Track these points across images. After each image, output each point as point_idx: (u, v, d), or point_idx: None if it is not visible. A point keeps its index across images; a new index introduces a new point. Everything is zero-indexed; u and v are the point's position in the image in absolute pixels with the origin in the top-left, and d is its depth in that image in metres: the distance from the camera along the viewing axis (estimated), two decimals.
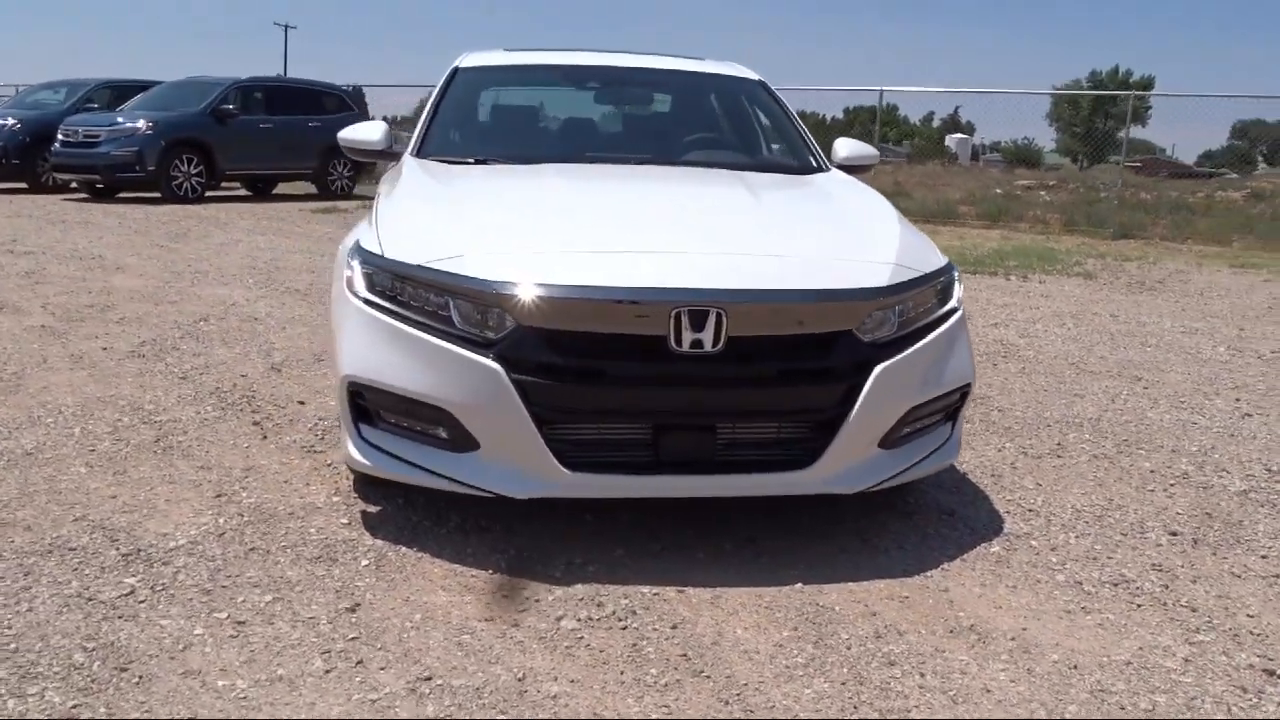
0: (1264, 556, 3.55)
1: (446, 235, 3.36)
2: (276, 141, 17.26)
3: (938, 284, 3.49)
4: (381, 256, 3.33)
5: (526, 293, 3.03)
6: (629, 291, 3.05)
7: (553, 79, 5.46)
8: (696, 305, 3.03)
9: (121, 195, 16.27)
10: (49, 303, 7.20)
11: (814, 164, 4.82)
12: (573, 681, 2.58)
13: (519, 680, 2.58)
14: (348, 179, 18.58)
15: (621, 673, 2.63)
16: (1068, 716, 2.51)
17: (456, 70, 5.09)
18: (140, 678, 2.52)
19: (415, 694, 2.50)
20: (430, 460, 3.26)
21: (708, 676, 2.62)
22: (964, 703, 2.55)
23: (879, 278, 3.29)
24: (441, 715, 2.43)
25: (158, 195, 15.86)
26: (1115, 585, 3.25)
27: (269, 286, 8.27)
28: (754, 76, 5.47)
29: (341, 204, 16.91)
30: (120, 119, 15.90)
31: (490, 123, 5.21)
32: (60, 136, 15.94)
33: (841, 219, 3.92)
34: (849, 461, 3.26)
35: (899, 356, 3.24)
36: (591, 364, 3.08)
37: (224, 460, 4.08)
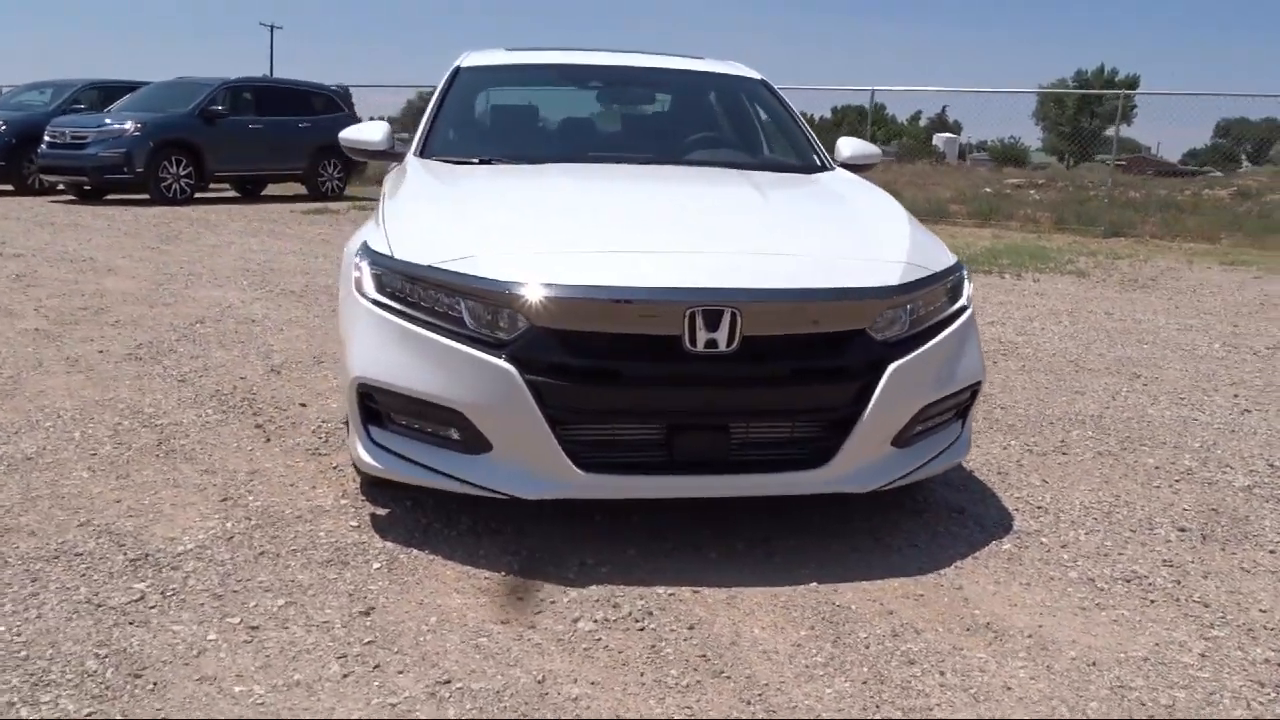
0: (1272, 551, 3.55)
1: (457, 236, 3.34)
2: (266, 142, 17.18)
3: (948, 282, 3.48)
4: (391, 257, 3.31)
5: (541, 293, 3.01)
6: (644, 291, 3.04)
7: (555, 78, 5.45)
8: (711, 305, 3.02)
9: (109, 197, 16.19)
10: (42, 305, 7.14)
11: (818, 163, 4.81)
12: (593, 683, 2.56)
13: (539, 683, 2.56)
14: (338, 180, 18.51)
15: (642, 674, 2.61)
16: (1089, 714, 2.50)
17: (458, 70, 5.06)
18: (155, 684, 2.50)
19: (435, 698, 2.48)
20: (441, 462, 3.23)
21: (728, 677, 2.61)
22: (985, 701, 2.54)
23: (892, 276, 3.28)
24: (463, 719, 2.41)
25: (146, 197, 15.79)
26: (1128, 582, 3.25)
27: (264, 288, 8.23)
28: (756, 75, 5.46)
29: (333, 205, 16.83)
30: (108, 120, 15.81)
31: (493, 123, 5.19)
32: (47, 138, 15.83)
33: (851, 218, 3.91)
34: (862, 460, 3.25)
35: (912, 355, 3.23)
36: (605, 364, 3.07)
37: (228, 464, 4.05)
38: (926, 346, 3.29)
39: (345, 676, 2.56)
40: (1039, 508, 3.87)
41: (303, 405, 4.89)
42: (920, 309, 3.34)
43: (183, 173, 16.06)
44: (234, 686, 2.50)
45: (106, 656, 2.60)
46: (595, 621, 2.87)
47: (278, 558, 3.22)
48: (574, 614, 2.92)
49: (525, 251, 3.25)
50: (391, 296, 3.27)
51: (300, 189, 18.63)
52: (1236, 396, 5.73)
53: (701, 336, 3.03)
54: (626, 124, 5.41)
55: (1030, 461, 4.43)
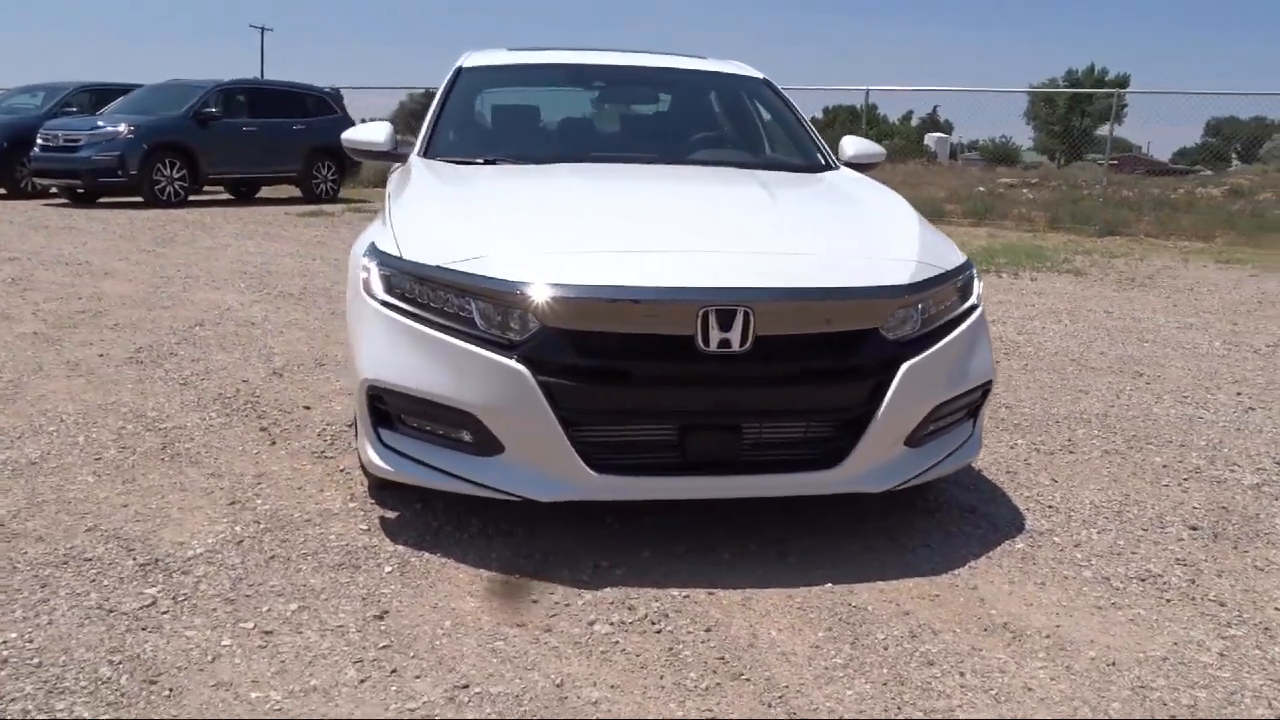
0: None
1: (466, 236, 3.32)
2: (260, 144, 17.11)
3: (958, 281, 3.48)
4: (399, 258, 3.29)
5: (553, 293, 3.00)
6: (657, 291, 3.02)
7: (558, 78, 5.43)
8: (724, 304, 3.01)
9: (103, 200, 16.11)
10: (39, 309, 7.10)
11: (822, 162, 4.80)
12: (613, 687, 2.55)
13: (557, 686, 2.54)
14: (332, 182, 18.43)
15: (661, 677, 2.59)
16: (1112, 714, 2.49)
17: (460, 70, 5.04)
18: (171, 690, 2.47)
19: (454, 702, 2.46)
20: (453, 464, 3.21)
21: (747, 679, 2.59)
22: (1007, 702, 2.53)
23: (904, 275, 3.27)
24: None
25: (139, 200, 15.73)
26: (1142, 581, 3.24)
27: (262, 291, 8.19)
28: (758, 75, 5.45)
29: (327, 208, 16.78)
30: (101, 123, 15.74)
31: (496, 123, 5.17)
32: (40, 141, 15.76)
33: (861, 216, 3.90)
34: (876, 460, 3.24)
35: (925, 354, 3.22)
36: (618, 365, 3.05)
37: (234, 467, 4.03)
38: (939, 345, 3.28)
39: (362, 681, 2.54)
40: (1049, 507, 3.86)
41: (307, 408, 4.87)
42: (931, 308, 3.33)
43: (177, 175, 16.00)
44: (250, 692, 2.48)
45: (120, 663, 2.57)
46: (612, 624, 2.85)
47: (288, 562, 3.20)
48: (590, 617, 2.90)
49: (536, 251, 3.23)
50: (400, 297, 3.24)
51: (294, 191, 18.56)
52: (1239, 394, 5.73)
53: (714, 336, 3.02)
54: (630, 124, 5.39)
55: (1038, 460, 4.43)
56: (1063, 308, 8.64)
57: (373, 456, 3.32)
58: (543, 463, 3.10)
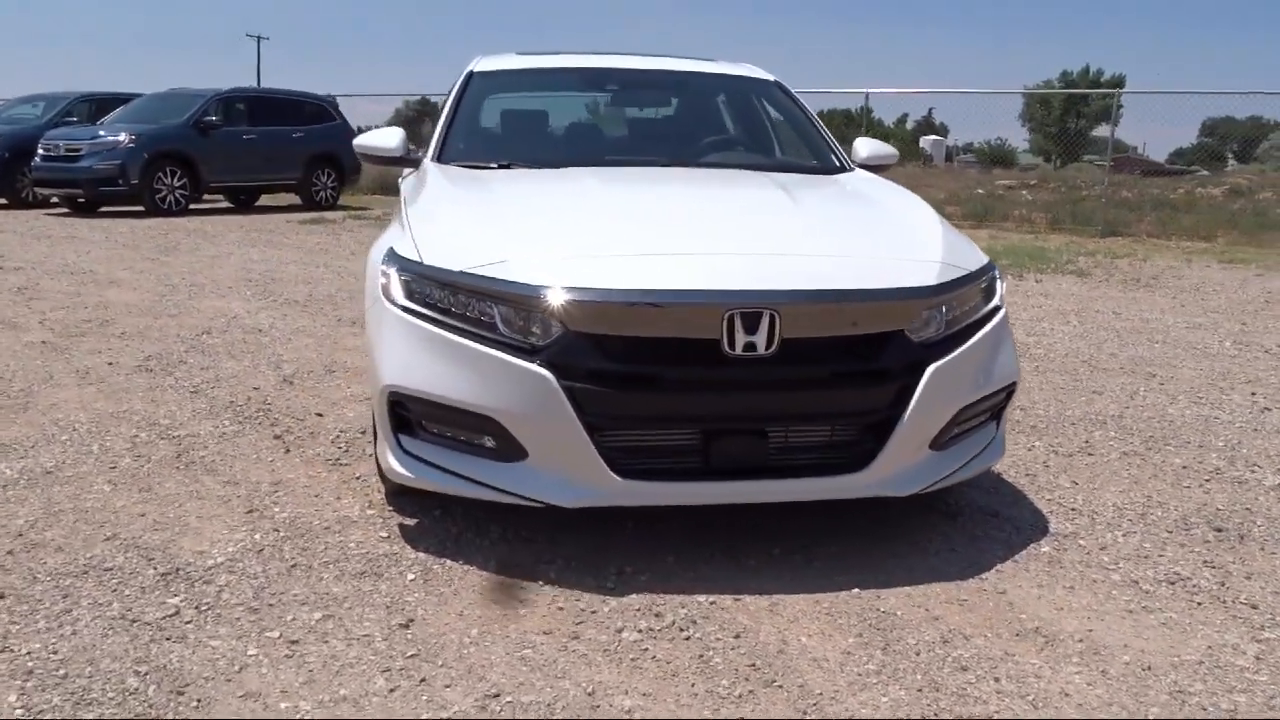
0: None
1: (487, 240, 3.29)
2: (260, 153, 17.11)
3: (982, 282, 3.45)
4: (420, 263, 3.26)
5: (578, 297, 2.97)
6: (682, 295, 3.00)
7: (569, 82, 5.41)
8: (750, 307, 2.98)
9: (104, 209, 16.08)
10: (46, 318, 7.08)
11: (837, 163, 4.78)
12: (645, 695, 2.52)
13: (589, 695, 2.51)
14: (331, 189, 18.43)
15: (693, 685, 2.57)
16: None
17: (472, 75, 5.01)
18: (199, 701, 2.44)
19: (485, 712, 2.43)
20: (475, 470, 3.18)
21: (780, 686, 2.57)
22: (1044, 708, 2.50)
23: (929, 276, 3.24)
24: None
25: (140, 209, 15.69)
26: (1172, 584, 3.22)
27: (267, 298, 8.17)
28: (769, 77, 5.43)
29: (328, 215, 16.75)
30: (102, 132, 15.72)
31: (509, 126, 5.14)
32: (41, 151, 15.73)
33: (883, 218, 3.87)
34: (902, 464, 3.21)
35: (951, 356, 3.20)
36: (644, 369, 3.02)
37: (250, 475, 4.00)
38: (964, 347, 3.25)
39: (392, 691, 2.51)
40: (1072, 509, 3.83)
41: (319, 415, 4.84)
42: (956, 309, 3.31)
43: (177, 184, 15.98)
44: (279, 703, 2.45)
45: (147, 674, 2.54)
46: (640, 631, 2.82)
47: (310, 570, 3.17)
48: (617, 624, 2.87)
49: (559, 255, 3.20)
50: (421, 303, 3.22)
51: (294, 199, 18.55)
52: (1254, 395, 5.71)
53: (740, 339, 2.99)
54: (644, 126, 5.37)
55: (1057, 463, 4.40)
56: (1070, 309, 8.62)
57: (393, 463, 3.29)
58: (567, 468, 3.07)
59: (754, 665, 2.66)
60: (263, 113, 17.60)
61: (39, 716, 2.36)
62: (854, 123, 20.79)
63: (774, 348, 3.01)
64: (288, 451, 4.30)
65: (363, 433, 4.55)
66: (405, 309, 3.23)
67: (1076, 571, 3.29)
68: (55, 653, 2.63)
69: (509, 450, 3.11)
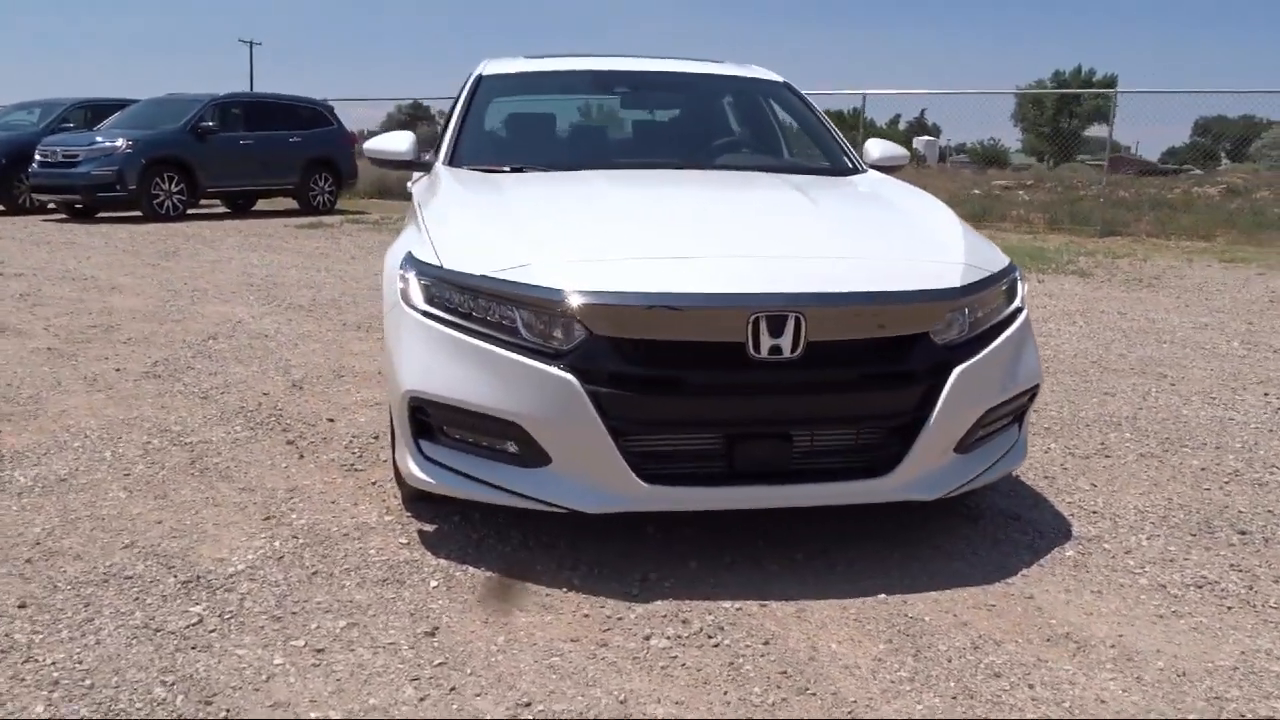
0: None
1: (507, 244, 3.27)
2: (257, 158, 17.05)
3: (1004, 283, 3.43)
4: (440, 268, 3.23)
5: (603, 301, 2.95)
6: (708, 298, 2.97)
7: (579, 85, 5.38)
8: (776, 310, 2.96)
9: (101, 215, 16.02)
10: (50, 324, 7.04)
11: (850, 165, 4.76)
12: (677, 703, 2.49)
13: (621, 703, 2.48)
14: (329, 194, 18.37)
15: (725, 693, 2.54)
16: None
17: (481, 78, 4.99)
18: (228, 711, 2.42)
19: None
20: (497, 476, 3.16)
21: (813, 694, 2.54)
22: (1081, 715, 2.47)
23: (954, 278, 3.22)
24: None
25: (138, 214, 15.64)
26: (1199, 588, 3.20)
27: (271, 303, 8.13)
28: (779, 78, 5.41)
29: (326, 219, 16.71)
30: (99, 138, 15.65)
31: (520, 130, 5.12)
32: (38, 157, 15.67)
33: (903, 219, 3.85)
34: (927, 467, 3.19)
35: (976, 358, 3.18)
36: (668, 372, 3.00)
37: (265, 481, 3.97)
38: (989, 349, 3.23)
39: (422, 700, 2.48)
40: (1093, 512, 3.81)
41: (331, 421, 4.81)
42: (979, 311, 3.29)
43: (175, 189, 15.92)
44: (309, 712, 2.42)
45: (174, 684, 2.51)
46: (668, 638, 2.80)
47: (331, 577, 3.14)
48: (644, 631, 2.84)
49: (582, 259, 3.17)
50: (441, 307, 3.19)
51: (290, 203, 18.49)
52: (1267, 395, 5.69)
53: (766, 343, 2.97)
54: (655, 129, 5.35)
55: (1074, 465, 4.38)
56: (1075, 309, 8.61)
57: (413, 469, 3.27)
58: (592, 474, 3.04)
59: (785, 673, 2.63)
60: (259, 118, 17.54)
61: None
62: (847, 124, 20.72)
63: (799, 351, 2.99)
64: (301, 457, 4.27)
65: (375, 438, 4.52)
66: (425, 313, 3.21)
67: (1103, 576, 3.27)
68: (80, 663, 2.60)
69: (532, 455, 3.08)
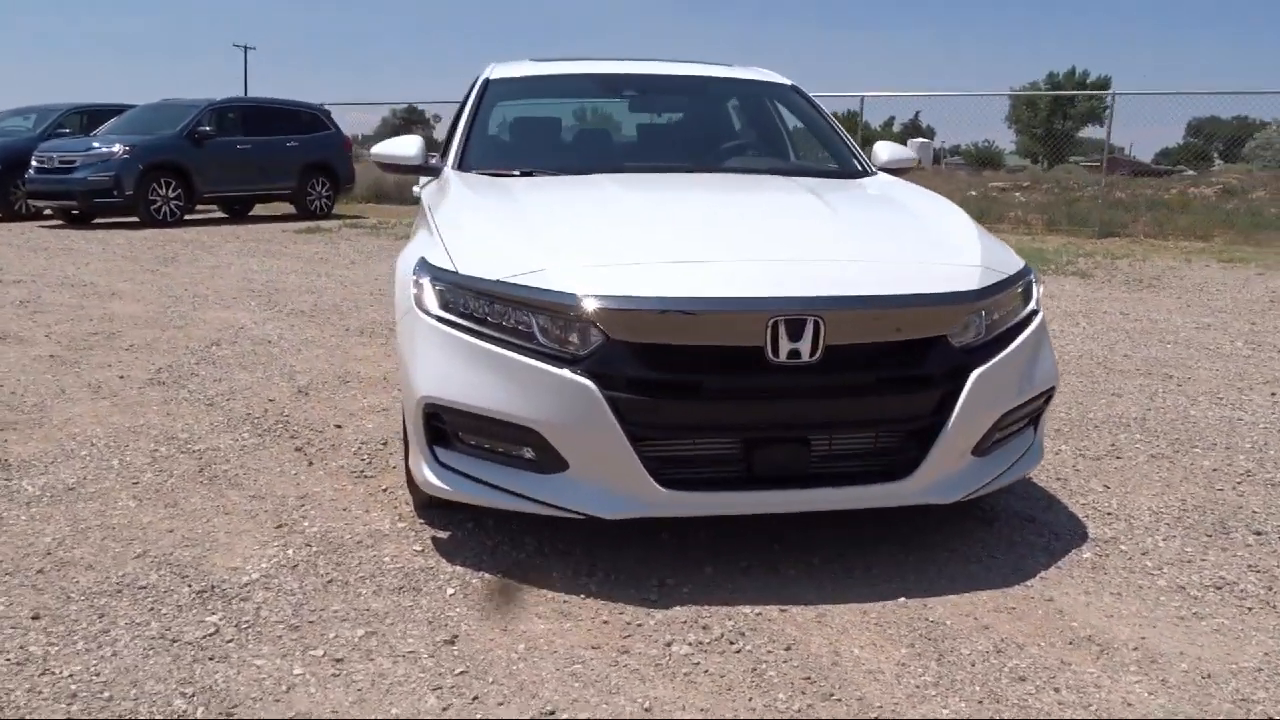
0: None
1: (522, 249, 3.25)
2: (254, 163, 17.02)
3: (1020, 286, 3.42)
4: (455, 273, 3.21)
5: (621, 306, 2.93)
6: (726, 302, 2.96)
7: (587, 88, 5.37)
8: (794, 314, 2.94)
9: (98, 221, 15.98)
10: (52, 331, 7.00)
11: (859, 167, 4.74)
12: (702, 710, 2.47)
13: (646, 711, 2.47)
14: (326, 199, 18.35)
15: (750, 699, 2.52)
16: None
17: (488, 82, 4.97)
18: None
19: None
20: (514, 482, 3.13)
21: (839, 699, 2.52)
22: (1108, 718, 2.46)
23: (971, 281, 3.21)
24: None
25: (135, 220, 15.59)
26: (1219, 589, 3.18)
27: (273, 309, 8.10)
28: (786, 81, 5.40)
29: (324, 224, 16.68)
30: (96, 144, 15.60)
31: (528, 133, 5.10)
32: (34, 163, 15.61)
33: (917, 221, 3.83)
34: (945, 470, 3.17)
35: (994, 361, 3.16)
36: (686, 377, 2.98)
37: (275, 489, 3.95)
38: (1006, 351, 3.22)
39: (445, 709, 2.46)
40: (1108, 514, 3.80)
41: (338, 427, 4.79)
42: (996, 313, 3.28)
43: (172, 195, 15.88)
44: None
45: (194, 695, 2.49)
46: (689, 645, 2.78)
47: (347, 585, 3.12)
48: (665, 637, 2.82)
49: (598, 263, 3.15)
50: (457, 313, 3.17)
51: (288, 208, 18.46)
52: (1274, 395, 5.69)
53: (784, 347, 2.95)
54: (663, 132, 5.34)
55: (1086, 466, 4.37)
56: (1077, 310, 8.61)
57: (428, 475, 3.24)
58: (610, 479, 3.02)
59: (809, 678, 2.62)
60: (256, 122, 17.50)
61: None
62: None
63: (818, 355, 2.98)
64: (310, 464, 4.24)
65: (384, 444, 4.50)
66: (440, 319, 3.19)
67: (1121, 577, 3.25)
68: (98, 674, 2.57)
69: (549, 461, 3.06)
